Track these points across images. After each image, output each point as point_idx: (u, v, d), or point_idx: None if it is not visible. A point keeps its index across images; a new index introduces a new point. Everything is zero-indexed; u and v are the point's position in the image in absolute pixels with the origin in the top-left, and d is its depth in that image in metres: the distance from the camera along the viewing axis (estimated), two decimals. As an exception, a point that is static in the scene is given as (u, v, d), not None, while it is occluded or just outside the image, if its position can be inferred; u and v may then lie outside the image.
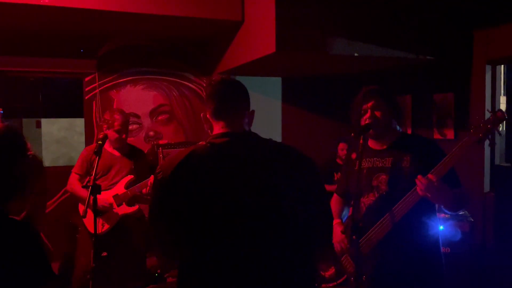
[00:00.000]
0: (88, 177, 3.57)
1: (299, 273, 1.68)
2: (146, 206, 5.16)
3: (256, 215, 1.61)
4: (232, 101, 1.73)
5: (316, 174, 1.75)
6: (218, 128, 1.72)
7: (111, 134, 3.57)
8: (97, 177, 3.47)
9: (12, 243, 1.42)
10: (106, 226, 3.59)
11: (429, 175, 2.01)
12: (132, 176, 3.64)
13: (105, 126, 3.60)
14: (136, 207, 3.66)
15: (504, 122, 2.04)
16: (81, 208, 3.59)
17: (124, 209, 3.62)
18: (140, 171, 3.69)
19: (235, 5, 4.20)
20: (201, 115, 1.79)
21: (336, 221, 2.51)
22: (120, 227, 3.63)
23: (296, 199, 1.66)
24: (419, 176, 2.02)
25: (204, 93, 1.79)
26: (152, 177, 3.51)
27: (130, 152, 3.75)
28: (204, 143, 1.68)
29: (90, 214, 3.40)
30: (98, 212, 3.42)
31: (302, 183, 1.69)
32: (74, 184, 3.62)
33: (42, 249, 1.48)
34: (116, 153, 3.68)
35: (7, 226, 1.46)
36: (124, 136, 3.63)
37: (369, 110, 2.25)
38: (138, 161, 3.76)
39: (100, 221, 3.53)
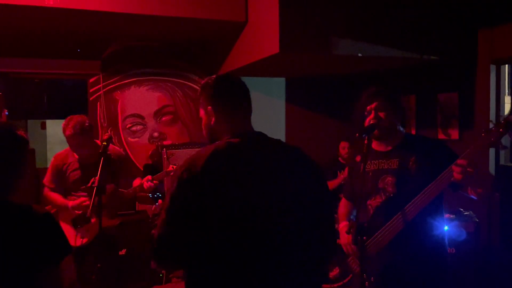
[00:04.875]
0: (93, 179, 3.23)
1: (309, 276, 1.68)
2: (150, 206, 5.17)
3: (271, 217, 1.59)
4: (246, 101, 1.72)
5: (322, 176, 1.75)
6: (231, 127, 1.67)
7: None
8: (74, 188, 3.26)
9: (32, 227, 1.59)
10: (85, 240, 3.29)
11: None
12: (112, 186, 3.35)
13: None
14: (115, 220, 3.43)
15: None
16: (61, 220, 3.33)
17: (103, 222, 3.12)
18: (117, 176, 3.42)
19: (238, 6, 4.20)
20: (208, 109, 1.69)
21: (343, 223, 2.50)
22: (104, 238, 3.20)
23: (306, 201, 1.66)
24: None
25: (211, 89, 1.70)
26: (138, 186, 3.38)
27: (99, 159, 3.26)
28: (223, 142, 1.63)
29: (66, 226, 3.27)
30: (76, 224, 3.29)
31: (310, 184, 1.69)
32: (48, 195, 3.37)
33: (57, 225, 1.67)
34: (84, 163, 3.34)
35: (22, 213, 1.61)
36: (85, 149, 3.28)
37: (373, 111, 2.24)
38: (113, 166, 3.32)
39: (78, 234, 3.30)
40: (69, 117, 3.29)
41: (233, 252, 1.56)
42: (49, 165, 3.49)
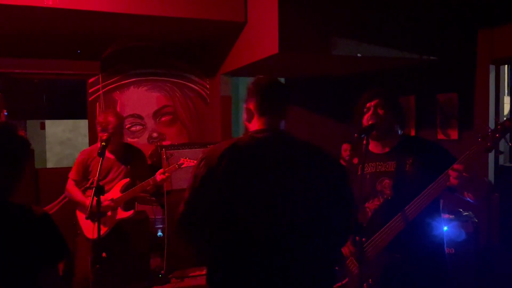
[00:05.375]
0: (91, 179, 3.50)
1: (323, 273, 1.76)
2: (149, 207, 5.16)
3: (291, 213, 1.66)
4: (280, 101, 1.84)
5: (345, 180, 1.83)
6: (260, 123, 1.79)
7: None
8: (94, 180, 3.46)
9: (31, 227, 1.59)
10: (102, 231, 3.42)
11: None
12: (128, 180, 3.58)
13: (99, 128, 3.48)
14: (131, 212, 3.59)
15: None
16: (79, 213, 3.57)
17: (119, 214, 3.56)
18: (138, 172, 3.63)
19: (238, 6, 4.20)
20: (244, 106, 1.85)
21: None
22: (118, 231, 3.56)
23: (327, 200, 1.74)
24: None
25: (250, 87, 1.85)
26: (151, 179, 3.53)
27: (126, 154, 3.65)
28: (247, 136, 1.76)
29: (84, 219, 3.49)
30: (95, 216, 3.44)
31: (334, 184, 1.78)
32: (70, 189, 3.59)
33: (56, 226, 1.66)
34: (111, 156, 3.58)
35: (22, 213, 1.60)
36: (118, 139, 3.50)
37: (372, 108, 2.25)
38: (135, 161, 3.67)
39: (95, 226, 3.41)
40: (102, 113, 3.60)
41: (238, 247, 1.65)
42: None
